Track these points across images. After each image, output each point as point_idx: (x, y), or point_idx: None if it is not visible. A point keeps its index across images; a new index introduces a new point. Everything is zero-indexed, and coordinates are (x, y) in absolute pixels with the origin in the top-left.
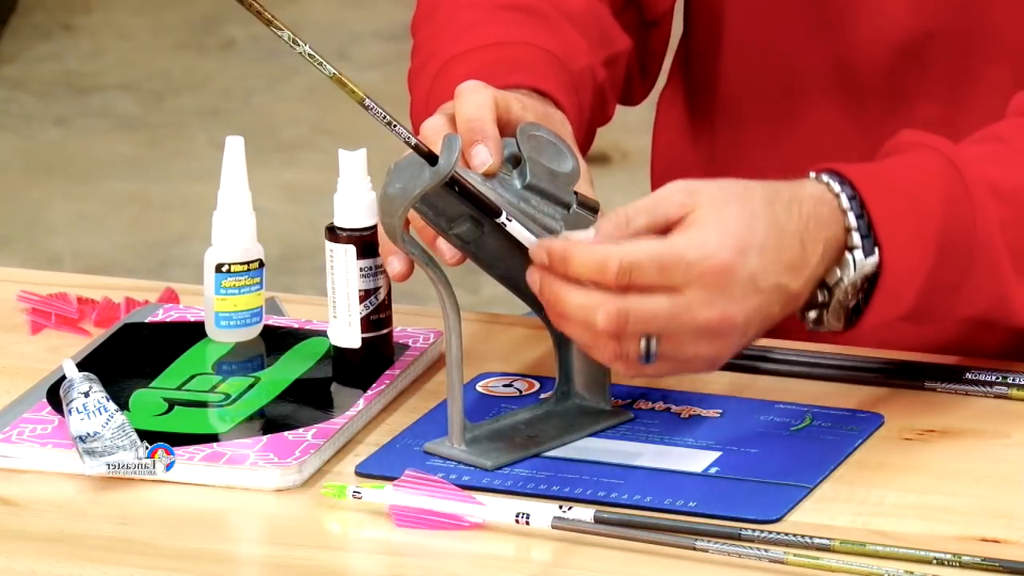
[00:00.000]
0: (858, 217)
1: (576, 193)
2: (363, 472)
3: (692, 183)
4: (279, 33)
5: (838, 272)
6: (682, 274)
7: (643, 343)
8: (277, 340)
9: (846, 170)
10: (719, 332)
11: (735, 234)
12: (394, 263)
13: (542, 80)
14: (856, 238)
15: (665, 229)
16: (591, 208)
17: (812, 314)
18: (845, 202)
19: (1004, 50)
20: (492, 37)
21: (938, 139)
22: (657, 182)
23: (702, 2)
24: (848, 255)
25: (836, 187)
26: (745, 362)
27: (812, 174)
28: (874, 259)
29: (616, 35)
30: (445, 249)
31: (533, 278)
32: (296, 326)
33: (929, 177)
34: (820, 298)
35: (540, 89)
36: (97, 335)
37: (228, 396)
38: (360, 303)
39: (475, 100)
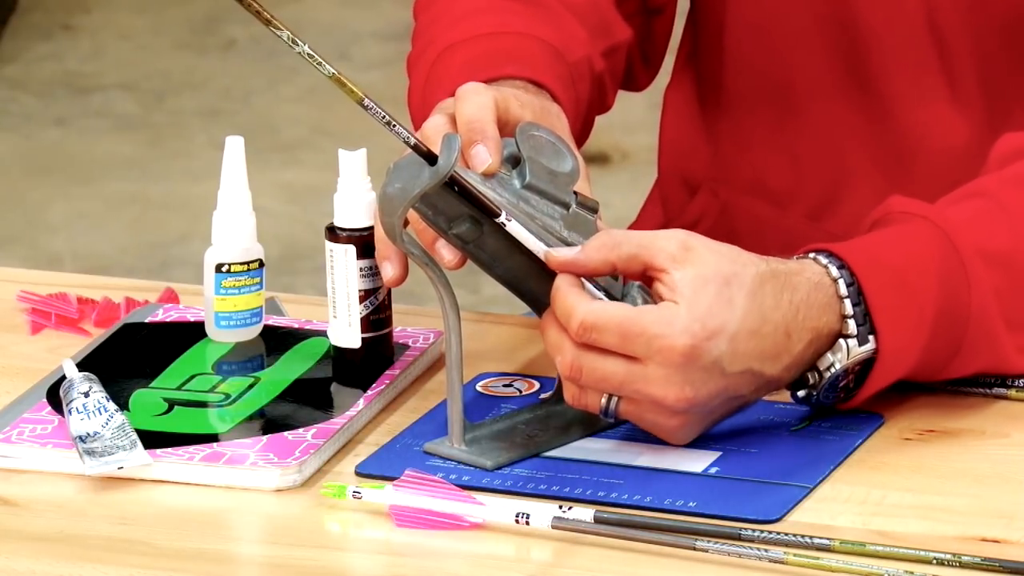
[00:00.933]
0: (855, 305)
1: (575, 193)
2: (363, 472)
3: (692, 240)
4: (278, 33)
5: (830, 357)
6: (643, 346)
7: (603, 399)
8: (277, 340)
9: (842, 252)
10: (676, 410)
11: (705, 318)
12: (388, 268)
13: (538, 71)
14: (852, 326)
15: (643, 271)
16: (590, 208)
17: (801, 393)
18: (843, 289)
19: (1012, 43)
20: (489, 26)
21: (927, 207)
22: (664, 176)
23: None
24: (843, 341)
25: (834, 272)
26: None
27: (810, 254)
28: (869, 346)
29: (616, 25)
30: (445, 252)
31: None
32: (296, 326)
33: (924, 252)
34: (810, 380)
35: (536, 80)
36: (97, 335)
37: (228, 396)
38: (360, 303)
39: (476, 101)
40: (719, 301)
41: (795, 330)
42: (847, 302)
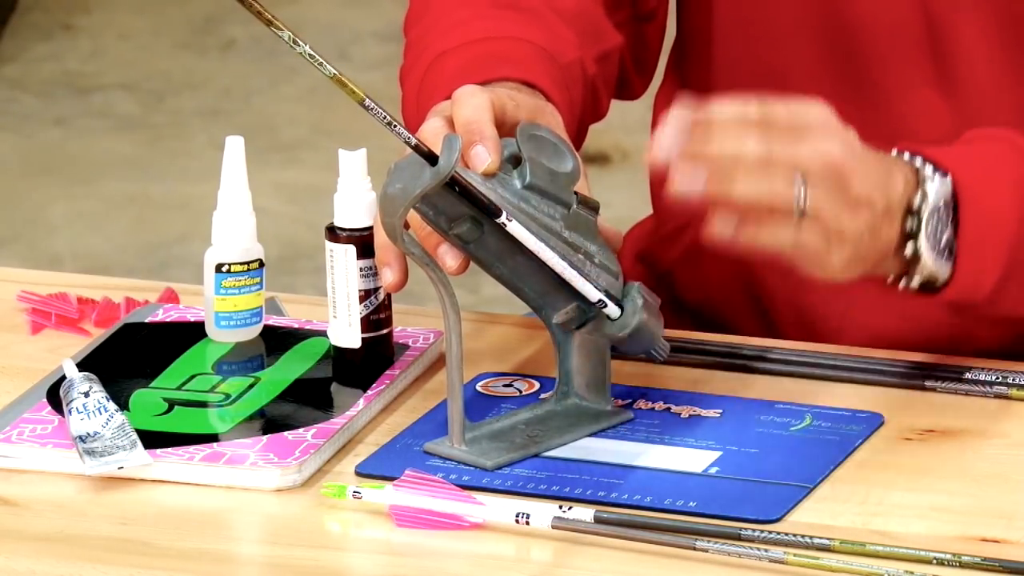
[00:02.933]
0: (924, 157)
1: (576, 193)
2: (363, 472)
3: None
4: (279, 33)
5: (918, 198)
6: (813, 116)
7: (796, 186)
8: (277, 340)
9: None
10: (853, 189)
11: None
12: (388, 274)
13: (532, 73)
14: (928, 169)
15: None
16: (592, 208)
17: (909, 250)
18: (906, 156)
19: (1002, 30)
20: (481, 32)
21: (1008, 131)
22: (655, 180)
23: None
24: (924, 184)
25: (894, 152)
26: (744, 362)
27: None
28: (948, 180)
29: (607, 32)
30: (448, 259)
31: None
32: (296, 326)
33: (1000, 157)
34: (909, 226)
35: (530, 82)
36: (97, 335)
37: (228, 396)
38: (360, 303)
39: (472, 102)
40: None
41: (892, 165)
42: (916, 159)
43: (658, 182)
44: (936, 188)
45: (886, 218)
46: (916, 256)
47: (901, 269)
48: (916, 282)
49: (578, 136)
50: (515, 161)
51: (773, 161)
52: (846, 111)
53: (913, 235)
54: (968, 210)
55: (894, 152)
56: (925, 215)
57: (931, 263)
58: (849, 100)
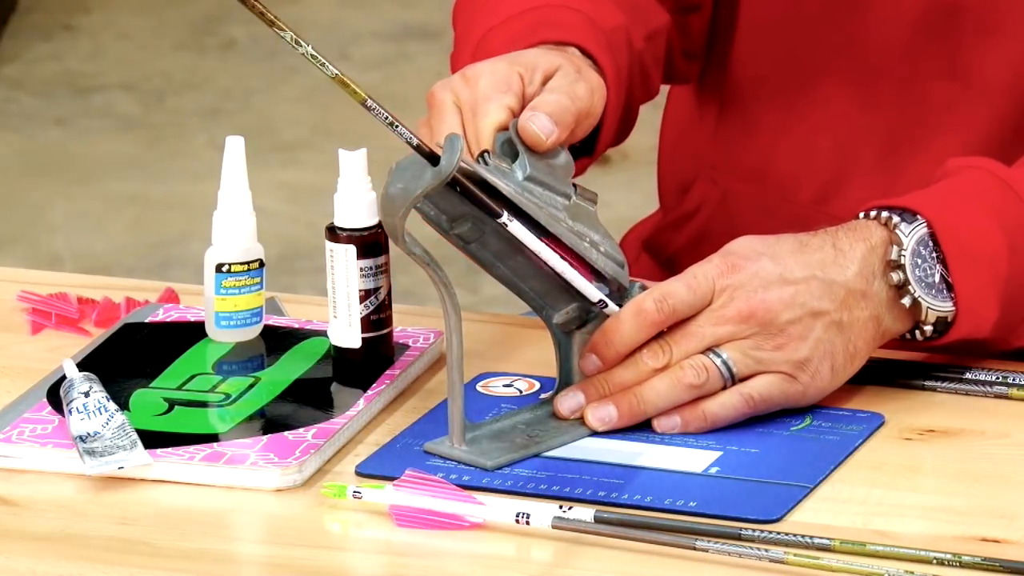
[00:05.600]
0: (891, 208)
1: (574, 184)
2: (363, 472)
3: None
4: (282, 34)
5: (895, 248)
6: (710, 285)
7: (712, 357)
8: (277, 340)
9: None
10: (764, 320)
11: (753, 246)
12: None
13: (572, 34)
14: (895, 218)
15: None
16: (590, 199)
17: (907, 300)
18: (872, 212)
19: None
20: (526, 4)
21: (987, 160)
22: (664, 166)
23: None
24: (896, 231)
25: (861, 215)
26: None
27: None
28: (922, 224)
29: (653, 11)
30: None
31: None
32: (296, 326)
33: (979, 191)
34: (897, 279)
35: (570, 42)
36: (97, 335)
37: (228, 396)
38: (360, 303)
39: (490, 109)
40: (764, 240)
41: (841, 243)
42: (883, 213)
43: (665, 177)
44: (908, 232)
45: (848, 302)
46: (916, 303)
47: (910, 322)
48: (929, 328)
49: (627, 110)
50: (512, 155)
51: (675, 359)
52: (862, 108)
53: (903, 284)
54: (950, 244)
55: (860, 215)
56: (907, 261)
57: (932, 302)
58: (865, 97)
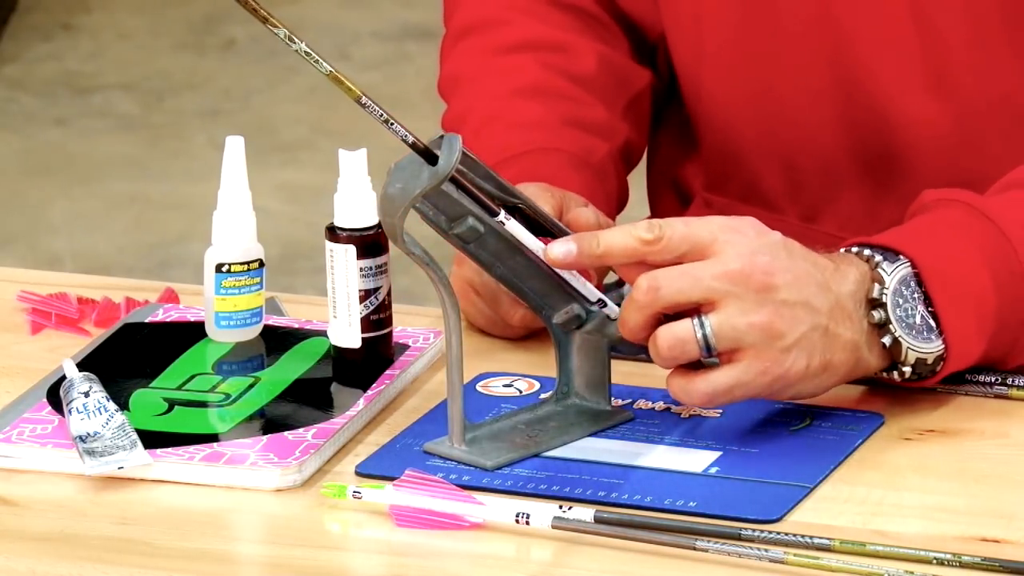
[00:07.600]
0: (872, 245)
1: None
2: (363, 472)
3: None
4: (275, 31)
5: (876, 287)
6: (711, 233)
7: (694, 324)
8: (277, 340)
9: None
10: (761, 285)
11: (761, 224)
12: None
13: (564, 184)
14: (877, 256)
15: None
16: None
17: (887, 339)
18: (854, 248)
19: (1011, 22)
20: (510, 148)
21: (962, 192)
22: (655, 187)
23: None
24: (878, 269)
25: (842, 250)
26: None
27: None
28: (905, 264)
29: (633, 73)
30: (512, 316)
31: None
32: (296, 326)
33: (960, 225)
34: (877, 317)
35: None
36: (97, 335)
37: (228, 396)
38: (360, 303)
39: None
40: (765, 227)
41: (840, 264)
42: (865, 250)
43: (656, 192)
44: (891, 270)
45: (836, 315)
46: (896, 343)
47: (887, 360)
48: (908, 370)
49: (619, 205)
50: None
51: (664, 293)
52: (844, 118)
53: (884, 323)
54: (935, 283)
55: (841, 250)
56: (888, 301)
57: (912, 343)
58: (845, 107)
